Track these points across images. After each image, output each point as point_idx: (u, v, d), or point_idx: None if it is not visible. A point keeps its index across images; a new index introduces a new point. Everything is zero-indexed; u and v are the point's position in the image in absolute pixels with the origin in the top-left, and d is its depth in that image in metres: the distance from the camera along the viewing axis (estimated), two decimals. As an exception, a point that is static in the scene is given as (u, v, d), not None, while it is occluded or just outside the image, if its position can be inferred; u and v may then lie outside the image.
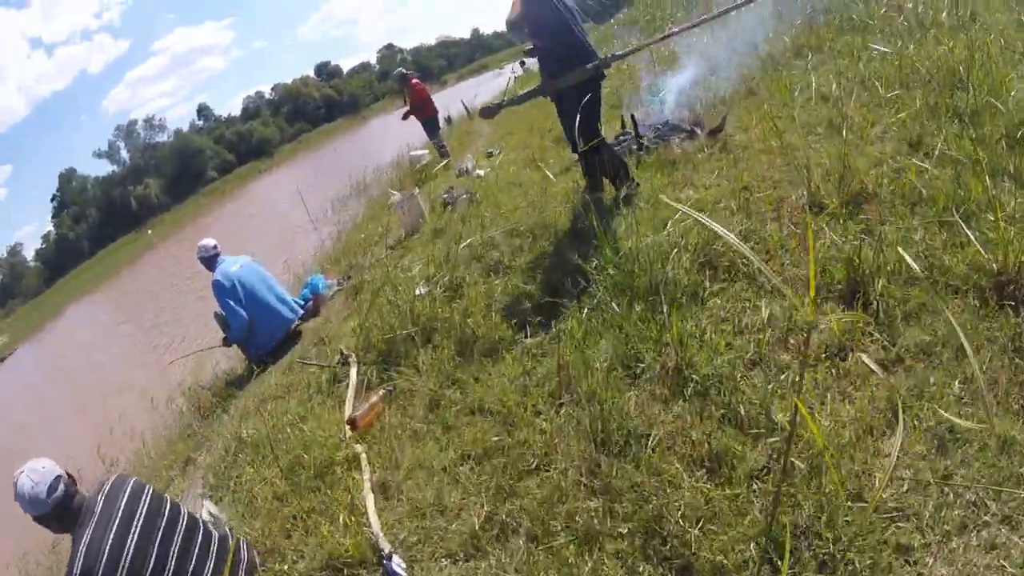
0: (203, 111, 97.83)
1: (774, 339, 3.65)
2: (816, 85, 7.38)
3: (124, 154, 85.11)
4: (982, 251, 3.41)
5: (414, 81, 14.65)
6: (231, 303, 7.16)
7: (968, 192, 4.05)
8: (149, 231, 66.40)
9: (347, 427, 4.52)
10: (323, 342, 6.72)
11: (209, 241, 7.59)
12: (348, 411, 4.74)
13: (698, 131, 7.16)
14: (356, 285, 7.74)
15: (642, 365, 3.76)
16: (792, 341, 3.56)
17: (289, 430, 4.89)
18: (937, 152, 4.79)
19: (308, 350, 6.85)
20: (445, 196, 9.00)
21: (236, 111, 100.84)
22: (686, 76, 9.83)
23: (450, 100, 26.00)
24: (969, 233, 3.45)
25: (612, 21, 25.25)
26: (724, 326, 3.91)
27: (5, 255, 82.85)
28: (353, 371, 5.23)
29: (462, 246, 6.24)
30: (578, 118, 5.09)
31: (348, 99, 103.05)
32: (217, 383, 7.91)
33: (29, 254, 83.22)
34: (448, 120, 20.66)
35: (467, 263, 6.11)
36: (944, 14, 9.39)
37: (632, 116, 7.40)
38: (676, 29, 7.15)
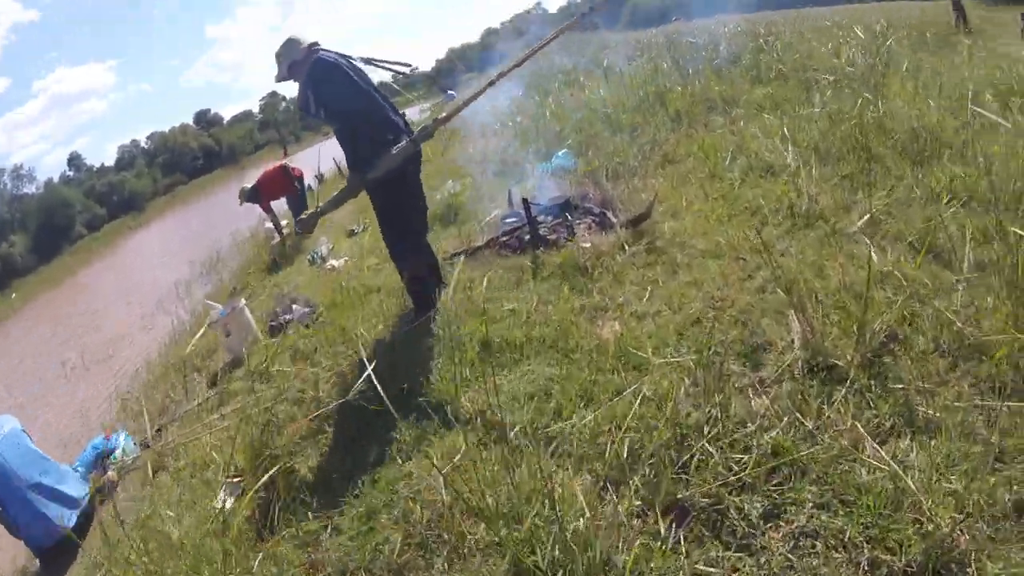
0: (74, 160, 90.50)
1: None
2: (753, 150, 5.88)
3: (-12, 207, 78.13)
4: None
5: (258, 182, 12.50)
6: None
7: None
8: (13, 295, 61.15)
9: None
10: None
11: None
12: None
13: (610, 216, 5.42)
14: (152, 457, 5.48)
15: None
16: None
17: None
18: (968, 260, 3.18)
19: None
20: (278, 311, 6.78)
21: (113, 159, 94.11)
22: (582, 137, 8.33)
23: (332, 153, 23.80)
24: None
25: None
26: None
27: None
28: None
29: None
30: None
31: (227, 149, 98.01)
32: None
33: None
34: (320, 178, 18.32)
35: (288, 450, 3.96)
36: (859, 59, 8.43)
37: (523, 198, 5.59)
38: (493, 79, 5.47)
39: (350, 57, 4.57)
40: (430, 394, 3.60)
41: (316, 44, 4.55)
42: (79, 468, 5.80)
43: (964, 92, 5.36)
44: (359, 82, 4.42)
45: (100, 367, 13.24)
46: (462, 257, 5.56)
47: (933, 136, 4.95)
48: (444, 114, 5.17)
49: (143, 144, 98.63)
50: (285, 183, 12.27)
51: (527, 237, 5.44)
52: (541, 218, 5.75)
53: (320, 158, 17.15)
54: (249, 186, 12.33)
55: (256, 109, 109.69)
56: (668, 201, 5.45)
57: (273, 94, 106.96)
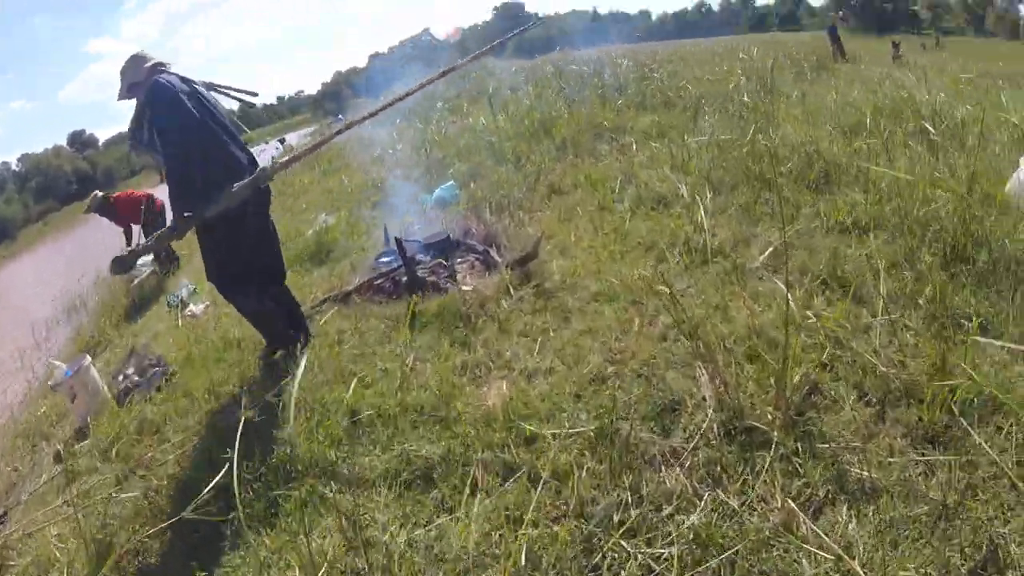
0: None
1: None
2: (642, 180, 5.60)
3: None
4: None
5: (116, 196, 11.05)
6: None
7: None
8: None
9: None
10: None
11: None
12: None
13: (494, 255, 4.94)
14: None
15: None
16: None
17: None
18: (882, 294, 2.93)
19: None
20: (127, 371, 5.73)
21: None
22: (466, 167, 7.87)
23: None
24: None
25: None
26: None
27: None
28: None
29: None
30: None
31: (102, 173, 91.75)
32: None
33: None
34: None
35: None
36: (744, 86, 8.44)
37: (396, 237, 5.05)
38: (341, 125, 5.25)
39: (193, 82, 4.04)
40: (290, 490, 2.99)
41: (162, 64, 4.02)
42: None
43: (855, 116, 5.24)
44: (197, 110, 3.86)
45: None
46: (330, 304, 5.02)
47: (828, 161, 4.76)
48: (288, 156, 4.75)
49: (14, 167, 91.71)
50: (138, 212, 10.84)
51: (403, 279, 4.90)
52: (420, 257, 5.23)
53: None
54: (102, 195, 10.93)
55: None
56: (556, 237, 5.04)
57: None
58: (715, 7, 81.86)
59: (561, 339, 3.55)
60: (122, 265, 4.25)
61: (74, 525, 3.61)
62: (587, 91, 10.21)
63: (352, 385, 3.47)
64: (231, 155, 4.01)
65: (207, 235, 4.11)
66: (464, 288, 4.49)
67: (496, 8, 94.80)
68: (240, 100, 4.46)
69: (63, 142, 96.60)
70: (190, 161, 3.82)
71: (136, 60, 4.04)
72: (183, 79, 3.99)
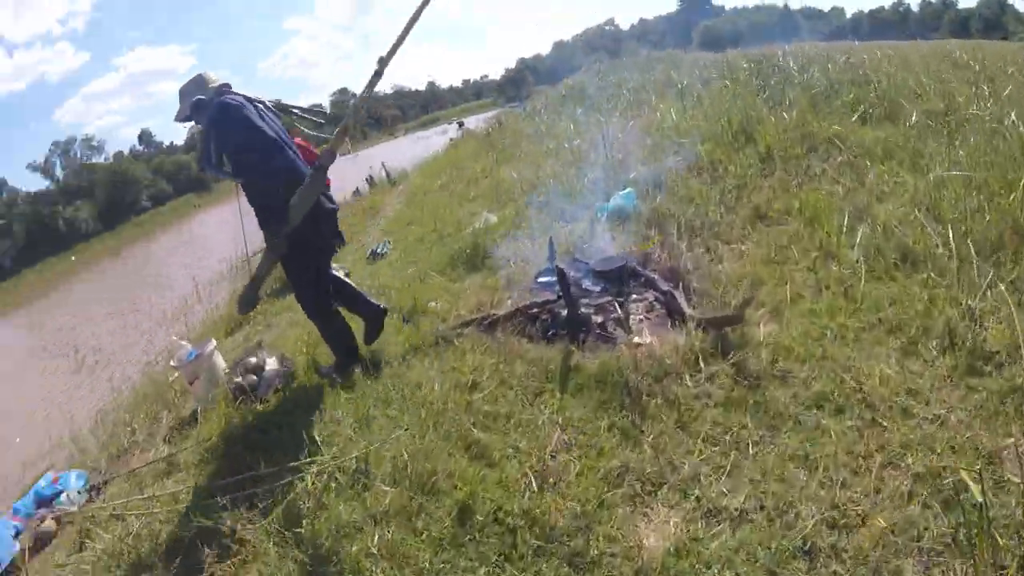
0: (145, 137, 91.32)
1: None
2: (880, 219, 4.45)
3: (59, 172, 79.65)
4: None
5: (298, 141, 10.27)
6: None
7: None
8: (73, 257, 62.55)
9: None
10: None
11: None
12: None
13: (680, 300, 3.95)
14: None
15: None
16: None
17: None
18: None
19: None
20: (249, 362, 5.19)
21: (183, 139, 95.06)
22: (648, 173, 6.79)
23: (389, 154, 22.62)
24: None
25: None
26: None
27: None
28: None
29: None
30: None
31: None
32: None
33: None
34: (370, 180, 17.13)
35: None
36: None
37: (558, 267, 4.15)
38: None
39: (259, 101, 4.08)
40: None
41: (227, 85, 4.07)
42: (20, 511, 4.94)
43: None
44: (268, 128, 3.92)
45: (108, 367, 12.43)
46: (473, 330, 4.32)
47: None
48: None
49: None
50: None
51: (563, 313, 4.09)
52: (586, 285, 4.40)
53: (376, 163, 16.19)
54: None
55: (326, 103, 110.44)
56: (763, 285, 4.01)
57: (344, 91, 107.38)
58: (914, 7, 73.42)
59: (764, 462, 2.58)
60: (249, 303, 4.35)
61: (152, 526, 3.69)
62: (792, 92, 8.71)
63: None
64: (301, 173, 3.97)
65: (292, 258, 4.14)
66: (637, 342, 3.61)
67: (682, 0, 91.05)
68: (307, 118, 4.62)
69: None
70: (269, 178, 3.86)
71: (200, 80, 4.03)
72: (248, 99, 3.99)
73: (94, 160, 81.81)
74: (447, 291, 5.47)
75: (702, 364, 3.27)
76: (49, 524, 4.76)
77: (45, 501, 5.07)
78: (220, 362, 5.49)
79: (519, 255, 5.63)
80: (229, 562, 2.91)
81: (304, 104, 7.91)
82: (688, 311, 3.74)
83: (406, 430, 3.37)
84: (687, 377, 3.21)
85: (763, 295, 3.89)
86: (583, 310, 4.02)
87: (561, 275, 3.90)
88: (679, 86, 11.00)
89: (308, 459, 3.50)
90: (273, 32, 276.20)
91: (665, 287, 4.14)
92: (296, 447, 3.82)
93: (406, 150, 25.53)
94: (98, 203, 75.14)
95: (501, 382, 3.63)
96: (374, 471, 3.19)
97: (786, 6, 78.74)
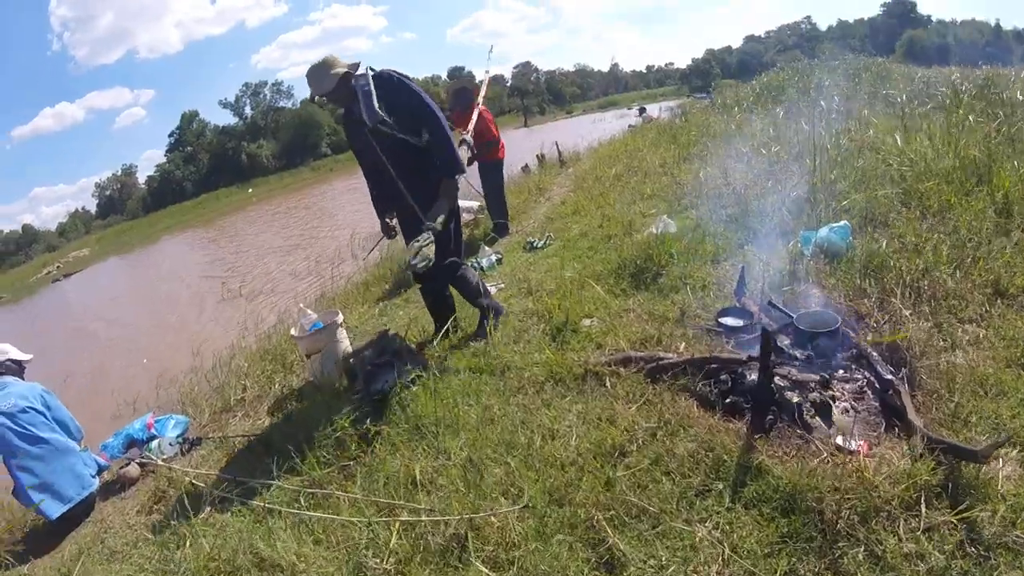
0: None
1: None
2: None
3: (248, 110, 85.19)
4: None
5: (482, 109, 8.47)
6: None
7: None
8: (250, 190, 67.10)
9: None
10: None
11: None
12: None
13: (905, 399, 2.93)
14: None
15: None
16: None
17: None
18: None
19: None
20: (367, 353, 4.71)
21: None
22: (863, 202, 5.64)
23: (564, 133, 21.89)
24: None
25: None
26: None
27: (120, 172, 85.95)
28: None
29: None
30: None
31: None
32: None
33: (141, 178, 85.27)
34: (540, 158, 16.47)
35: None
36: None
37: (764, 330, 3.16)
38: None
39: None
40: None
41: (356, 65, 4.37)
42: (108, 449, 5.05)
43: None
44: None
45: (248, 302, 12.80)
46: (632, 367, 3.63)
47: None
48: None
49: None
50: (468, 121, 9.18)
51: (750, 378, 3.28)
52: (782, 340, 3.51)
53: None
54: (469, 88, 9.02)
55: (508, 75, 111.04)
56: (1006, 396, 2.93)
57: (527, 64, 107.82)
58: None
59: None
60: (420, 259, 4.19)
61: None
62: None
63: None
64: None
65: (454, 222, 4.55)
66: (842, 448, 2.74)
67: (884, 5, 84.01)
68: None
69: (443, 74, 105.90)
70: (448, 136, 4.30)
71: (331, 61, 4.29)
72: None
73: (281, 104, 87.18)
74: (606, 308, 4.73)
75: (923, 507, 2.36)
76: (133, 469, 4.75)
77: (136, 444, 5.07)
78: (344, 342, 5.11)
79: (699, 280, 4.79)
80: None
81: (488, 75, 7.58)
82: (915, 420, 2.76)
83: (528, 506, 2.77)
84: (901, 523, 2.31)
85: (1004, 409, 2.84)
86: (780, 380, 3.14)
87: (766, 341, 3.02)
88: (899, 102, 9.59)
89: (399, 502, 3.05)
90: (463, 2, 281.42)
91: (887, 374, 3.12)
92: (387, 479, 3.36)
93: (582, 130, 24.43)
94: (280, 144, 79.89)
95: (656, 461, 2.88)
96: (475, 544, 2.63)
97: (998, 24, 71.14)
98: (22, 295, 42.29)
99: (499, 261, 7.35)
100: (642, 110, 24.63)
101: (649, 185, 8.84)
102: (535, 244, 7.70)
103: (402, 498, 3.09)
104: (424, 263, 4.12)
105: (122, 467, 4.80)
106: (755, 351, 3.26)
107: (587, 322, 4.57)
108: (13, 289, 47.76)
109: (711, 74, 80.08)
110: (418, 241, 4.16)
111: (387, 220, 4.84)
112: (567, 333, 4.42)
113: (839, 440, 2.80)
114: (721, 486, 2.67)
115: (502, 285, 6.30)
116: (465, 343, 4.80)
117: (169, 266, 30.61)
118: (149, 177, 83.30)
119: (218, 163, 78.76)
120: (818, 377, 3.17)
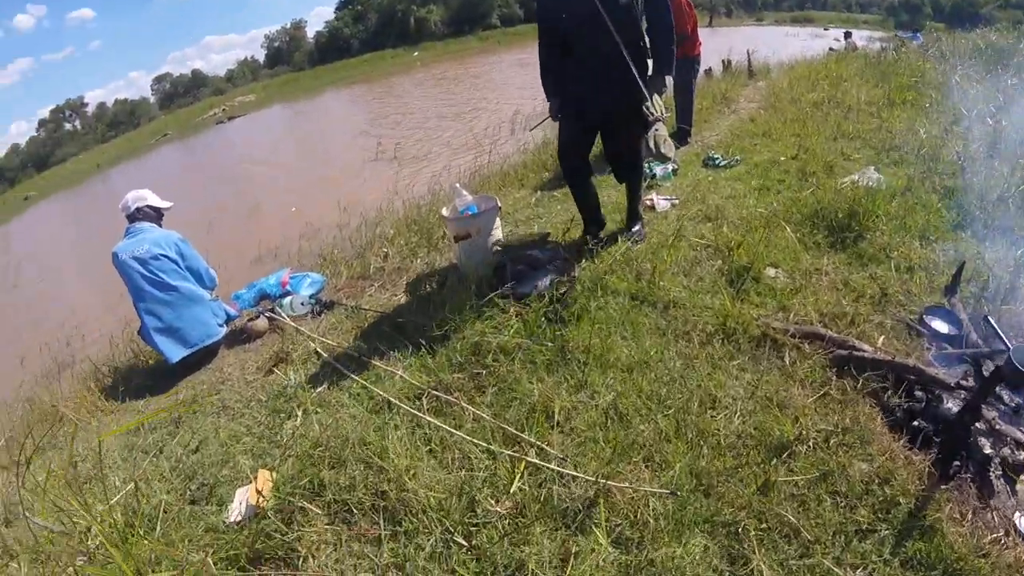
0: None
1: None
2: None
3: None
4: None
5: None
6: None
7: None
8: (416, 53, 67.65)
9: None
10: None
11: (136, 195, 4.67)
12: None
13: None
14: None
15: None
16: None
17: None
18: None
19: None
20: (518, 253, 4.49)
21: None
22: None
23: (751, 41, 19.90)
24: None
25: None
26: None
27: (289, 26, 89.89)
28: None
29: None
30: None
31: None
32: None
33: (310, 32, 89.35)
34: (726, 64, 15.05)
35: None
36: None
37: (995, 371, 2.43)
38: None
39: None
40: None
41: None
42: (240, 299, 5.16)
43: None
44: None
45: (400, 167, 12.62)
46: (820, 358, 3.07)
47: None
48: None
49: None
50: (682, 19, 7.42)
51: (950, 406, 2.66)
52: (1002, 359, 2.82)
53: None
54: None
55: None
56: None
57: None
58: None
59: None
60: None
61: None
62: None
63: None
64: None
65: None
66: (1020, 530, 2.20)
67: None
68: None
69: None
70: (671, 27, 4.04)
71: None
72: None
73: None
74: (795, 261, 4.10)
75: None
76: (261, 323, 4.74)
77: (268, 298, 5.11)
78: (498, 232, 4.73)
79: (905, 257, 4.03)
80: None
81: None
82: None
83: (675, 493, 2.39)
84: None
85: None
86: (992, 421, 2.52)
87: (991, 379, 2.39)
88: None
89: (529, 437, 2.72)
90: None
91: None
92: (519, 401, 3.06)
93: (772, 42, 22.20)
94: (449, 10, 79.17)
95: (824, 476, 2.42)
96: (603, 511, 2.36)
97: None
98: (187, 133, 44.76)
99: (674, 172, 6.63)
100: (847, 35, 21.98)
101: (852, 124, 7.65)
102: (717, 161, 6.87)
103: (533, 432, 2.80)
104: (660, 115, 3.86)
105: (251, 319, 4.82)
106: (956, 370, 2.73)
107: (771, 272, 3.99)
108: (179, 127, 50.82)
109: (921, 12, 71.87)
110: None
111: (556, 100, 4.34)
112: (747, 280, 3.85)
113: (1018, 520, 2.25)
114: (886, 532, 2.21)
115: (676, 201, 5.67)
116: (621, 255, 4.32)
117: (330, 119, 31.41)
118: (318, 32, 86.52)
119: (386, 24, 79.57)
120: (1021, 434, 2.51)
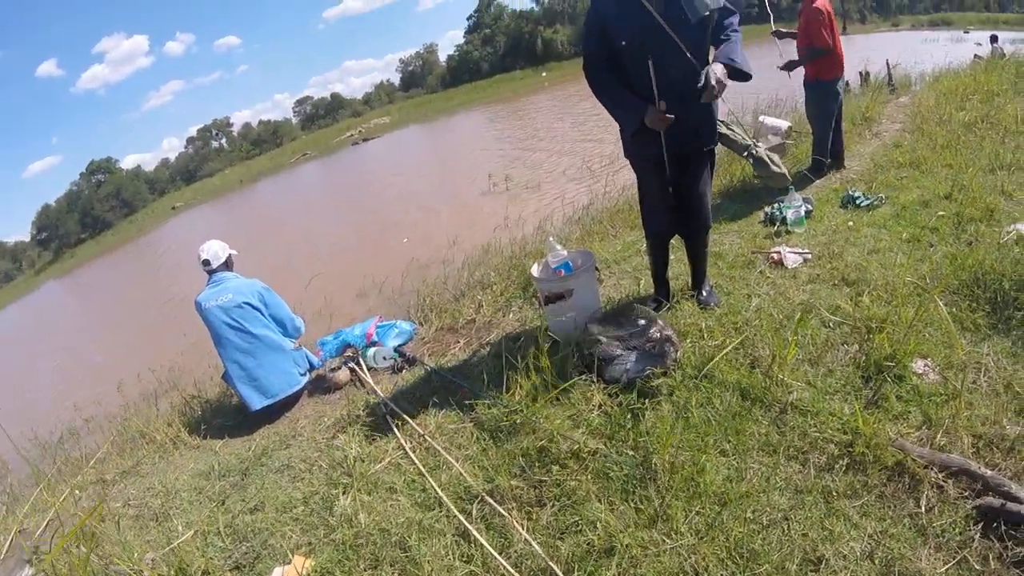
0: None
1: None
2: None
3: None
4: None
5: (820, 2, 6.21)
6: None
7: None
8: (543, 73, 68.45)
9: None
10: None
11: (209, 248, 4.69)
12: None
13: None
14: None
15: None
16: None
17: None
18: None
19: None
20: (622, 311, 3.89)
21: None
22: None
23: (887, 49, 18.16)
24: None
25: None
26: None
27: (423, 50, 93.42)
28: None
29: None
30: None
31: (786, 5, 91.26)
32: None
33: (442, 56, 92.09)
34: (863, 76, 13.51)
35: None
36: None
37: None
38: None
39: None
40: None
41: None
42: (324, 347, 5.07)
43: None
44: None
45: (513, 200, 12.26)
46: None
47: None
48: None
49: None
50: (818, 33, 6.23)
51: None
52: None
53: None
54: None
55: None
56: None
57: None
58: None
59: None
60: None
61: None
62: None
63: None
64: None
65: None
66: None
67: None
68: None
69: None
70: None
71: None
72: None
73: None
74: (949, 349, 3.15)
75: None
76: (343, 374, 4.64)
77: (352, 348, 4.97)
78: (593, 295, 4.13)
79: None
80: None
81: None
82: None
83: None
84: None
85: None
86: None
87: None
88: None
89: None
90: None
91: None
92: (577, 529, 2.57)
93: (911, 50, 19.85)
94: (575, 30, 79.76)
95: None
96: None
97: None
98: (325, 152, 47.28)
99: (808, 214, 5.53)
100: (994, 38, 19.53)
101: (1012, 150, 6.23)
102: (858, 199, 5.69)
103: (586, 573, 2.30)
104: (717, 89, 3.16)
105: (332, 369, 4.70)
106: None
107: (919, 366, 3.09)
108: (318, 147, 54.07)
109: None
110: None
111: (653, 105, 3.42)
112: (887, 377, 3.01)
113: None
114: None
115: (808, 255, 4.69)
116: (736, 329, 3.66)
117: (460, 140, 31.82)
118: (449, 56, 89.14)
119: (514, 46, 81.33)
120: None
